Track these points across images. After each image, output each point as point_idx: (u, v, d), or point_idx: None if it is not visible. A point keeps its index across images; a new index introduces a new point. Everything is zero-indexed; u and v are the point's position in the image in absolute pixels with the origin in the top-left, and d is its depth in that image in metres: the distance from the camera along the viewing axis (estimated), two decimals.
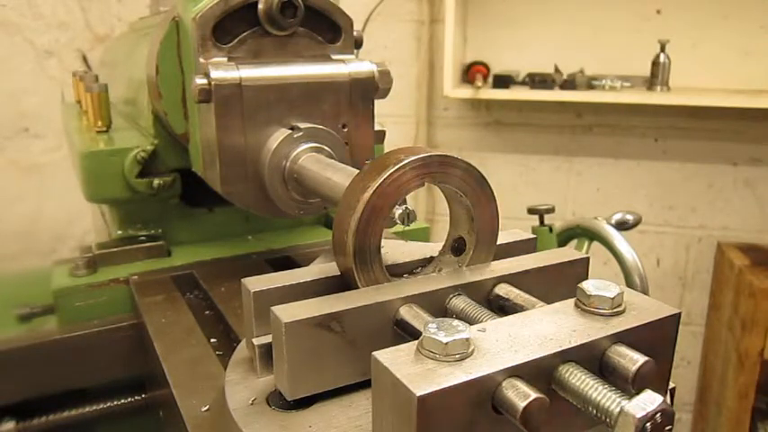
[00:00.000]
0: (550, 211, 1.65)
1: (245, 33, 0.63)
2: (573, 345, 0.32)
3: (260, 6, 0.62)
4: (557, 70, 2.22)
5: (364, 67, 0.66)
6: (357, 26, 0.68)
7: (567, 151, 2.39)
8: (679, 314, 0.36)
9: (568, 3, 2.27)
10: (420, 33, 2.43)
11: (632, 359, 0.32)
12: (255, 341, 0.43)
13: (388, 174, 0.41)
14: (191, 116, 0.69)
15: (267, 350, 0.42)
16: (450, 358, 0.30)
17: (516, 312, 0.37)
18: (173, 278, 0.75)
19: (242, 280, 0.43)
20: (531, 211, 1.65)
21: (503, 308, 0.42)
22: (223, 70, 0.59)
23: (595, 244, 1.64)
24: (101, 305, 0.74)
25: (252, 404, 0.41)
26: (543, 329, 0.33)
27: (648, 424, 0.27)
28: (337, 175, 0.53)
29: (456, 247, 0.47)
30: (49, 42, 2.15)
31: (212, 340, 0.59)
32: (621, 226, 1.65)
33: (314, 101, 0.63)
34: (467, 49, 2.41)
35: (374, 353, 0.30)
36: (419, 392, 0.27)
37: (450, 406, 0.28)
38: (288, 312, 0.37)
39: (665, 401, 0.28)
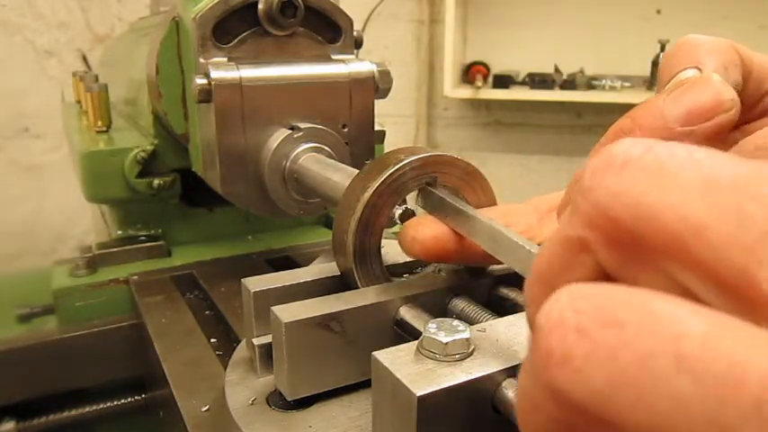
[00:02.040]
0: None
1: (245, 33, 0.63)
2: None
3: (260, 6, 0.62)
4: (557, 70, 2.22)
5: (364, 67, 0.66)
6: (357, 26, 0.68)
7: (567, 151, 2.39)
8: None
9: (568, 3, 2.27)
10: (420, 33, 2.43)
11: None
12: (255, 341, 0.43)
13: (388, 174, 0.40)
14: (191, 116, 0.69)
15: (267, 350, 0.42)
16: (450, 358, 0.30)
17: (516, 312, 0.37)
18: (173, 278, 0.74)
19: (242, 280, 0.43)
20: None
21: (503, 308, 0.42)
22: (223, 70, 0.59)
23: None
24: (101, 305, 0.73)
25: (252, 404, 0.41)
26: None
27: None
28: (337, 175, 0.53)
29: None
30: (49, 42, 2.15)
31: (212, 340, 0.59)
32: None
33: (314, 101, 0.63)
34: (467, 49, 2.41)
35: (374, 353, 0.30)
36: (419, 392, 0.27)
37: (450, 406, 0.28)
38: (288, 312, 0.37)
39: None
